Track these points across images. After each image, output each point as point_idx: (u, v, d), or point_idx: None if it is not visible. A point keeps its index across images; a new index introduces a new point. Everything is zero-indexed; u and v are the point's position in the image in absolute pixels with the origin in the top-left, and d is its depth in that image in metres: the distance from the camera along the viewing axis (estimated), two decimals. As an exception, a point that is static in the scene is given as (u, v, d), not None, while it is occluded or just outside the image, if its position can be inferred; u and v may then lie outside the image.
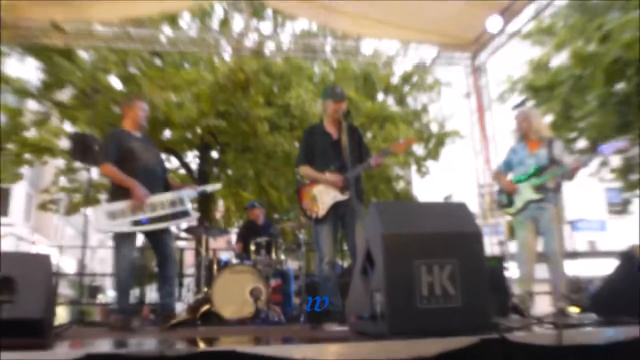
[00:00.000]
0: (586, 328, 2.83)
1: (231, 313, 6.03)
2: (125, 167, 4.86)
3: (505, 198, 5.46)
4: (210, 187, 5.68)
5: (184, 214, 4.92)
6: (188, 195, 5.01)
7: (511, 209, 5.38)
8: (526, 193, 5.25)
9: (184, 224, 5.19)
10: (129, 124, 5.13)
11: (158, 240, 5.01)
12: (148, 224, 4.78)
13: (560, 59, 14.98)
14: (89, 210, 4.64)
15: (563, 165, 5.11)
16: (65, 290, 25.02)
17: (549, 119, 14.19)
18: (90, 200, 11.19)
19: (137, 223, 4.74)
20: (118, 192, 4.86)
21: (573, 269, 5.85)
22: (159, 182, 5.04)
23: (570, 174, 5.07)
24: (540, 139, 5.40)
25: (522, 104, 5.40)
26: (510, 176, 5.58)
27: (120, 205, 4.77)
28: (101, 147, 5.08)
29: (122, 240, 4.81)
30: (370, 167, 4.81)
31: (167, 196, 4.92)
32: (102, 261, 40.22)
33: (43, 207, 15.70)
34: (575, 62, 12.95)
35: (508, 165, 5.60)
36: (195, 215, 5.08)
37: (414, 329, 2.52)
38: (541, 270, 5.26)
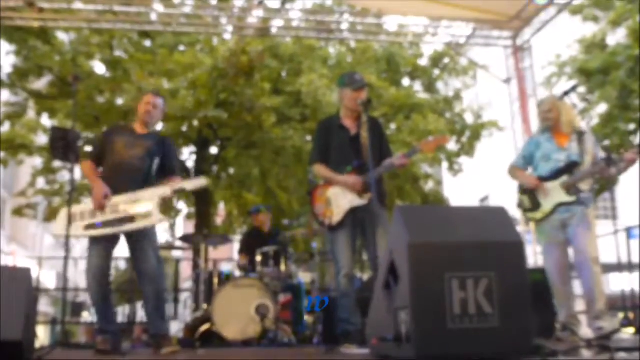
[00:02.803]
0: (642, 352, 2.84)
1: (234, 333, 6.10)
2: (105, 161, 4.96)
3: (528, 200, 5.27)
4: (189, 185, 5.14)
5: (146, 216, 4.74)
6: (159, 194, 4.81)
7: (537, 213, 5.18)
8: (556, 194, 5.07)
9: (140, 227, 4.87)
10: (137, 120, 5.20)
11: (132, 250, 4.97)
12: (102, 228, 4.73)
13: (616, 37, 14.88)
14: (62, 211, 4.59)
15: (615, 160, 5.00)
16: (45, 307, 25.27)
17: (603, 107, 14.12)
18: (72, 204, 11.35)
19: (90, 227, 4.73)
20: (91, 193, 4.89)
21: (628, 283, 5.76)
22: (137, 180, 4.91)
23: (621, 171, 4.99)
24: (571, 132, 5.26)
25: (572, 90, 5.23)
26: (530, 171, 5.42)
27: (83, 207, 4.81)
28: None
29: (90, 247, 4.83)
30: (394, 167, 4.85)
31: (134, 195, 4.80)
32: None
33: (19, 212, 15.89)
34: (634, 40, 12.85)
35: (527, 160, 5.43)
36: (158, 218, 4.77)
37: (445, 353, 2.56)
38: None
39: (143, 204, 4.73)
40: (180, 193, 14.09)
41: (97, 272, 4.77)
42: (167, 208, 4.82)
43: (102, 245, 4.81)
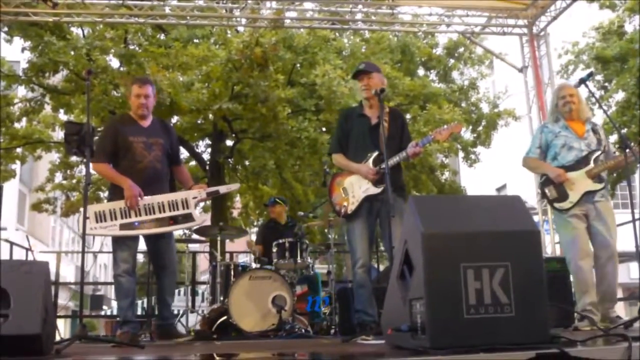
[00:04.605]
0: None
1: (251, 325, 6.12)
2: (122, 164, 5.02)
3: (554, 191, 5.20)
4: (224, 188, 5.70)
5: (186, 218, 4.97)
6: (194, 196, 5.05)
7: (565, 203, 5.12)
8: (582, 183, 5.08)
9: (185, 230, 5.26)
10: (132, 112, 5.24)
11: (154, 246, 5.17)
12: (139, 228, 4.88)
13: (634, 24, 14.72)
14: (87, 209, 4.71)
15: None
16: (65, 301, 25.49)
17: (620, 95, 13.99)
18: (89, 199, 11.38)
19: (127, 226, 4.84)
20: (115, 192, 5.00)
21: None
22: (162, 181, 5.14)
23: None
24: (585, 120, 5.30)
25: (588, 78, 5.21)
26: (548, 161, 5.39)
27: (112, 205, 4.90)
28: (97, 143, 5.22)
29: (118, 244, 4.96)
30: (408, 157, 4.84)
31: (168, 197, 4.99)
32: (105, 267, 40.93)
33: (37, 207, 16.05)
34: (653, 26, 12.72)
35: (543, 149, 5.38)
36: (200, 219, 5.15)
37: (460, 343, 2.55)
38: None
39: (180, 205, 4.93)
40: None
41: (128, 267, 4.93)
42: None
43: (131, 242, 4.98)
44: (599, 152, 5.11)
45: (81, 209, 5.11)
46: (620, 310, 11.53)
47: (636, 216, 5.29)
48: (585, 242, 5.13)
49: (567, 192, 5.12)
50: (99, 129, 12.84)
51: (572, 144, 5.20)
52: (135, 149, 5.02)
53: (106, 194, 15.31)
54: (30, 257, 8.86)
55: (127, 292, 4.95)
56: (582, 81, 5.13)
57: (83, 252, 4.57)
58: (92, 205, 4.92)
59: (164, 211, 4.90)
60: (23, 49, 12.44)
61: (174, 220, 4.91)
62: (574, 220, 5.10)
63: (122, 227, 4.83)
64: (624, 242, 5.34)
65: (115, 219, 4.83)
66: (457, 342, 2.57)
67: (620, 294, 11.63)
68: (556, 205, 5.21)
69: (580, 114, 5.29)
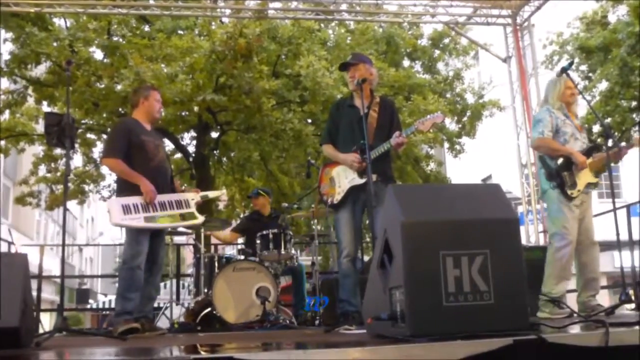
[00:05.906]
0: (636, 327, 2.83)
1: (235, 317, 6.13)
2: (135, 163, 5.16)
3: (568, 177, 5.25)
4: (212, 194, 6.33)
5: (191, 215, 5.26)
6: (192, 198, 5.37)
7: (574, 191, 5.21)
8: (586, 175, 5.19)
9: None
10: (142, 116, 5.41)
11: (152, 242, 5.26)
12: (158, 222, 5.09)
13: (617, 14, 14.79)
14: (111, 202, 4.95)
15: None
16: (51, 295, 25.36)
17: (604, 85, 14.07)
18: (71, 191, 11.36)
19: (150, 219, 5.04)
20: (126, 187, 5.15)
21: (629, 260, 5.78)
22: (167, 182, 5.41)
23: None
24: (575, 115, 5.44)
25: (569, 66, 5.21)
26: None
27: (134, 200, 5.05)
28: (109, 140, 5.60)
29: (139, 237, 5.08)
30: (391, 146, 4.84)
31: (173, 197, 5.27)
32: (91, 261, 40.63)
33: (21, 201, 15.93)
34: (635, 17, 12.77)
35: (553, 133, 5.30)
36: (201, 218, 5.42)
37: (439, 331, 2.56)
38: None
39: (183, 204, 5.27)
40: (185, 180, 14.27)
41: (143, 261, 5.06)
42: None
43: (148, 236, 5.15)
44: (600, 147, 5.27)
45: (67, 203, 5.17)
46: (605, 298, 11.66)
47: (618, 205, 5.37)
48: (576, 230, 5.22)
49: (576, 181, 5.21)
50: (83, 121, 12.76)
51: (577, 135, 5.30)
52: (148, 147, 5.23)
53: (91, 186, 15.38)
54: (12, 251, 8.80)
55: (138, 285, 5.05)
56: (564, 70, 5.17)
57: (63, 245, 4.57)
58: (118, 198, 5.15)
59: (174, 208, 5.19)
60: (4, 40, 12.31)
61: (182, 217, 5.22)
62: (577, 210, 5.21)
63: (146, 219, 5.01)
64: (608, 231, 5.42)
65: (139, 212, 5.01)
66: (436, 329, 2.58)
67: (604, 282, 11.76)
68: (568, 191, 5.26)
69: (576, 107, 5.46)
